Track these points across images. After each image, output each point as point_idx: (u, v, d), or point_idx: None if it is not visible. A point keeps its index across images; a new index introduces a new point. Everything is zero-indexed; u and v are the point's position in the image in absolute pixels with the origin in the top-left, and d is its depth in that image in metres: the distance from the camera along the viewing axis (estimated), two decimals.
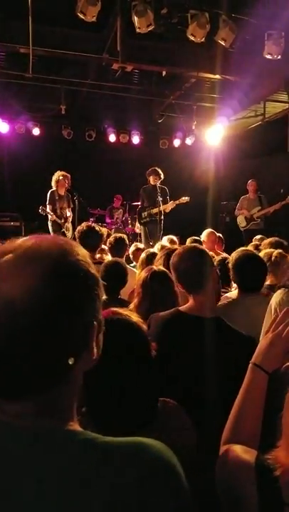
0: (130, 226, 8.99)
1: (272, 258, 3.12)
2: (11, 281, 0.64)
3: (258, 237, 5.31)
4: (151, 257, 3.44)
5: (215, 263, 3.76)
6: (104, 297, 2.86)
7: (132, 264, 4.43)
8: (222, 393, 1.39)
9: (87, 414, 1.16)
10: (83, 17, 5.27)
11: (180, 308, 1.86)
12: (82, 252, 0.74)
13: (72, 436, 0.67)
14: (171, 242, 4.97)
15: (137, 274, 3.73)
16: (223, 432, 1.16)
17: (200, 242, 5.15)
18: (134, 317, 1.27)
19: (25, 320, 0.63)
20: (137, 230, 7.70)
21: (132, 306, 2.21)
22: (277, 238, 3.93)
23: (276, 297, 2.08)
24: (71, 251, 0.72)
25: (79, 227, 3.70)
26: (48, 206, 6.97)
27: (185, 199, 7.43)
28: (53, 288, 0.66)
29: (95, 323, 0.72)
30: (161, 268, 2.39)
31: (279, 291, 2.08)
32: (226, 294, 3.02)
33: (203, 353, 1.64)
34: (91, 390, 1.13)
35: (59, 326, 0.66)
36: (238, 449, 0.99)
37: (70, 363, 0.67)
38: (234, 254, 2.74)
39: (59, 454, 0.64)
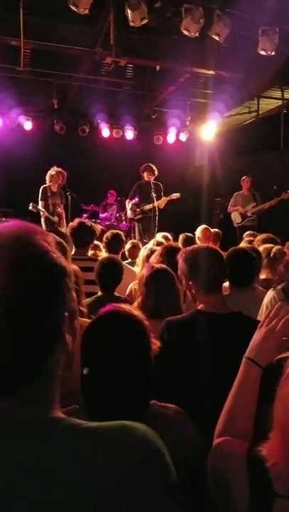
0: (124, 222, 8.96)
1: (272, 254, 3.19)
2: None
3: (248, 233, 5.34)
4: (152, 255, 3.42)
5: None
6: (99, 294, 2.87)
7: (127, 261, 4.40)
8: None
9: (83, 405, 1.20)
10: (75, 9, 5.21)
11: (199, 308, 1.90)
12: (46, 241, 0.71)
13: (56, 422, 0.68)
14: (165, 239, 4.95)
15: (137, 271, 3.71)
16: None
17: (192, 239, 5.14)
18: (136, 312, 1.29)
19: None
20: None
21: (135, 304, 2.19)
22: (270, 234, 3.95)
23: (267, 297, 2.10)
24: (34, 241, 0.69)
25: (71, 224, 3.69)
26: (40, 202, 6.91)
27: (176, 195, 7.42)
28: (14, 283, 0.64)
29: (65, 314, 0.70)
30: (162, 265, 2.38)
31: (270, 291, 2.10)
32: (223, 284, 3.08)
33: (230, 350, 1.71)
34: (87, 382, 1.17)
35: (25, 322, 0.65)
36: (230, 442, 1.02)
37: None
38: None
39: (45, 441, 0.65)
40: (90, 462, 0.64)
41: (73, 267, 2.29)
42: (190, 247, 2.04)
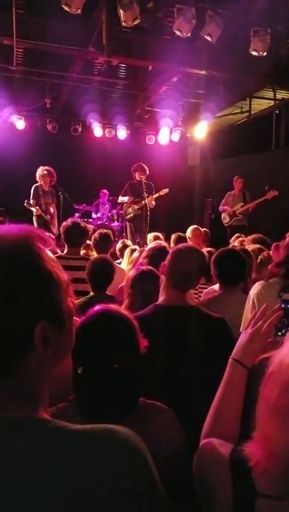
0: (116, 222, 8.96)
1: (259, 259, 3.24)
2: None
3: (236, 235, 5.43)
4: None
5: None
6: (91, 293, 2.89)
7: (118, 261, 4.41)
8: (201, 383, 1.44)
9: (75, 402, 1.23)
10: (68, 9, 5.21)
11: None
12: (39, 246, 0.72)
13: (40, 424, 0.68)
14: (157, 239, 4.97)
15: (125, 271, 3.73)
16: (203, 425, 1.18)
17: (185, 239, 5.16)
18: (125, 311, 1.31)
19: None
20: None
21: (123, 306, 2.21)
22: (260, 235, 3.98)
23: (254, 289, 2.13)
24: (27, 243, 0.71)
25: (64, 223, 3.69)
26: (32, 201, 6.90)
27: (164, 191, 7.44)
28: None
29: (44, 321, 0.69)
30: (149, 267, 2.40)
31: (257, 283, 2.12)
32: (212, 287, 3.13)
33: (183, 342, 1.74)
34: (80, 381, 1.20)
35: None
36: (215, 442, 1.02)
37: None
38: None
39: (27, 442, 0.65)
40: (72, 465, 0.64)
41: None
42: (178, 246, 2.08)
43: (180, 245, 2.09)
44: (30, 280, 0.69)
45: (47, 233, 0.85)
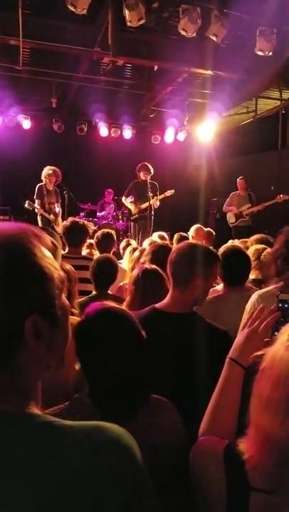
0: (121, 221, 8.98)
1: (262, 256, 3.20)
2: None
3: (242, 240, 5.40)
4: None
5: None
6: (94, 293, 2.90)
7: (121, 260, 4.43)
8: (197, 388, 1.42)
9: (76, 401, 1.25)
10: (73, 9, 5.22)
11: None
12: (33, 242, 0.73)
13: (29, 418, 0.69)
14: (161, 238, 4.99)
15: (127, 270, 3.74)
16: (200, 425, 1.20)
17: (187, 238, 5.17)
18: (124, 309, 1.34)
19: None
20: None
21: (124, 304, 2.23)
22: (263, 235, 3.97)
23: (251, 299, 2.10)
24: (21, 239, 0.72)
25: (63, 223, 3.71)
26: (36, 201, 6.94)
27: (170, 192, 7.43)
28: None
29: (35, 315, 0.70)
30: (152, 265, 2.40)
31: (255, 294, 2.11)
32: (215, 287, 3.07)
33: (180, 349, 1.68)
34: (89, 377, 1.23)
35: None
36: (211, 439, 1.05)
37: None
38: (221, 249, 2.78)
39: (16, 436, 0.66)
40: (61, 460, 0.65)
41: (66, 267, 2.32)
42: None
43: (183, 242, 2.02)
44: (22, 275, 0.69)
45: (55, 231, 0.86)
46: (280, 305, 1.32)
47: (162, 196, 7.35)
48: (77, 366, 1.53)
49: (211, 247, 2.05)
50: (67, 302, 0.79)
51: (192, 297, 1.81)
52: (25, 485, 0.63)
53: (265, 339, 1.24)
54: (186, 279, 1.80)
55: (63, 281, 0.77)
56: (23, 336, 0.69)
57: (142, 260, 2.95)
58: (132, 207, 7.43)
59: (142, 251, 3.50)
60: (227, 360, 1.24)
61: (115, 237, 4.33)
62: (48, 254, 0.75)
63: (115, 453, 0.68)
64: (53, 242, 0.82)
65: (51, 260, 0.75)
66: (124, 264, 4.23)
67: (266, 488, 0.86)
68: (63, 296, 0.77)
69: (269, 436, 0.83)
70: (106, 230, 4.09)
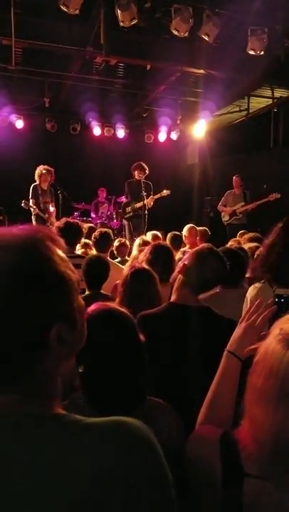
0: (115, 220, 8.99)
1: (255, 255, 3.22)
2: None
3: (241, 231, 5.42)
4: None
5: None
6: (87, 292, 2.91)
7: (117, 260, 4.44)
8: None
9: (83, 398, 1.24)
10: (66, 9, 5.23)
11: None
12: (50, 248, 0.73)
13: (54, 419, 0.71)
14: (155, 237, 5.01)
15: (123, 268, 3.75)
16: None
17: (180, 237, 5.19)
18: (122, 309, 1.34)
19: None
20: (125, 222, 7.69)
21: (114, 304, 2.23)
22: (257, 234, 4.01)
23: (250, 292, 2.14)
24: (38, 246, 0.72)
25: (57, 223, 3.71)
26: (30, 200, 6.93)
27: (166, 192, 7.45)
28: (8, 285, 0.67)
29: (58, 324, 0.71)
30: (142, 266, 2.40)
31: (253, 286, 2.14)
32: None
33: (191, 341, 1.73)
34: (87, 380, 1.22)
35: (11, 322, 0.68)
36: (207, 428, 1.08)
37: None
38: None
39: (43, 436, 0.68)
40: (87, 457, 0.66)
41: None
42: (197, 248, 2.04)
43: (203, 246, 2.02)
44: (44, 287, 0.70)
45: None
46: (276, 299, 1.36)
47: (158, 196, 7.36)
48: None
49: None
50: (83, 302, 0.80)
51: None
52: (61, 485, 0.65)
53: (262, 333, 1.28)
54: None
55: (79, 282, 0.79)
56: (48, 344, 0.71)
57: (140, 259, 2.95)
58: (124, 206, 7.46)
59: (142, 250, 3.52)
60: (225, 352, 1.27)
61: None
62: (65, 257, 0.76)
63: (138, 449, 0.70)
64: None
65: (68, 263, 0.76)
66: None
67: (259, 475, 0.89)
68: (79, 297, 0.79)
69: (262, 426, 0.86)
70: (103, 230, 4.10)
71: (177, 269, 1.93)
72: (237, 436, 0.94)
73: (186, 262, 1.89)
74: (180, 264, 1.93)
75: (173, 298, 1.92)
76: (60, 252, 0.75)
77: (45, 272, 0.71)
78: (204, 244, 2.01)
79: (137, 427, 0.72)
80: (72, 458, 0.66)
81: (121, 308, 1.34)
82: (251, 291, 2.11)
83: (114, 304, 2.07)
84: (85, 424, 0.70)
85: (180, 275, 1.90)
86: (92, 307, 1.30)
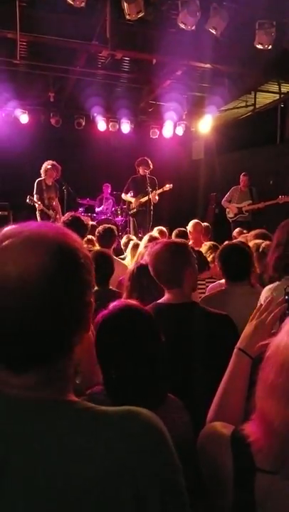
0: (120, 216, 8.96)
1: (260, 248, 3.22)
2: (21, 262, 0.69)
3: (238, 229, 5.43)
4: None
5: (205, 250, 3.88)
6: (96, 288, 2.90)
7: (122, 256, 4.43)
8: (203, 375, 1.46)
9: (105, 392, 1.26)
10: (72, 2, 5.18)
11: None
12: (79, 240, 0.80)
13: (70, 405, 0.74)
14: (161, 233, 4.99)
15: (127, 265, 3.74)
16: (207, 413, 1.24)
17: (186, 233, 5.17)
18: (142, 306, 1.40)
19: (34, 297, 0.69)
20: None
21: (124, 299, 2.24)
22: (263, 230, 3.97)
23: (264, 294, 2.12)
24: (71, 237, 0.77)
25: (63, 218, 3.70)
26: (35, 196, 6.92)
27: (168, 186, 7.42)
28: (58, 267, 0.71)
29: (92, 302, 0.78)
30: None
31: (266, 288, 2.13)
32: (219, 281, 3.16)
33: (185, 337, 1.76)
34: (109, 372, 1.24)
35: (63, 303, 0.72)
36: (218, 425, 1.08)
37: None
38: (221, 247, 2.81)
39: (59, 422, 0.71)
40: (99, 443, 0.68)
41: None
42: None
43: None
44: (74, 299, 0.74)
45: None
46: (286, 297, 1.37)
47: (160, 191, 7.34)
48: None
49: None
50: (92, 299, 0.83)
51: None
52: (63, 468, 0.67)
53: (273, 330, 1.28)
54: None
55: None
56: (71, 348, 0.76)
57: (145, 257, 2.94)
58: (132, 199, 7.42)
59: (146, 247, 3.50)
60: (235, 350, 1.29)
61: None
62: (88, 254, 0.79)
63: (149, 438, 0.71)
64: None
65: (91, 267, 0.79)
66: (128, 260, 4.23)
67: (270, 469, 0.90)
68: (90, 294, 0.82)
69: (273, 421, 0.87)
70: (107, 225, 4.09)
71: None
72: (248, 432, 0.95)
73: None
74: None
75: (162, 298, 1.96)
76: (85, 252, 0.79)
77: (74, 288, 0.75)
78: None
79: (148, 417, 0.74)
80: (85, 443, 0.68)
81: (145, 308, 1.38)
82: (264, 294, 2.08)
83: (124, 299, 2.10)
84: (97, 411, 0.73)
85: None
86: (115, 304, 1.34)
